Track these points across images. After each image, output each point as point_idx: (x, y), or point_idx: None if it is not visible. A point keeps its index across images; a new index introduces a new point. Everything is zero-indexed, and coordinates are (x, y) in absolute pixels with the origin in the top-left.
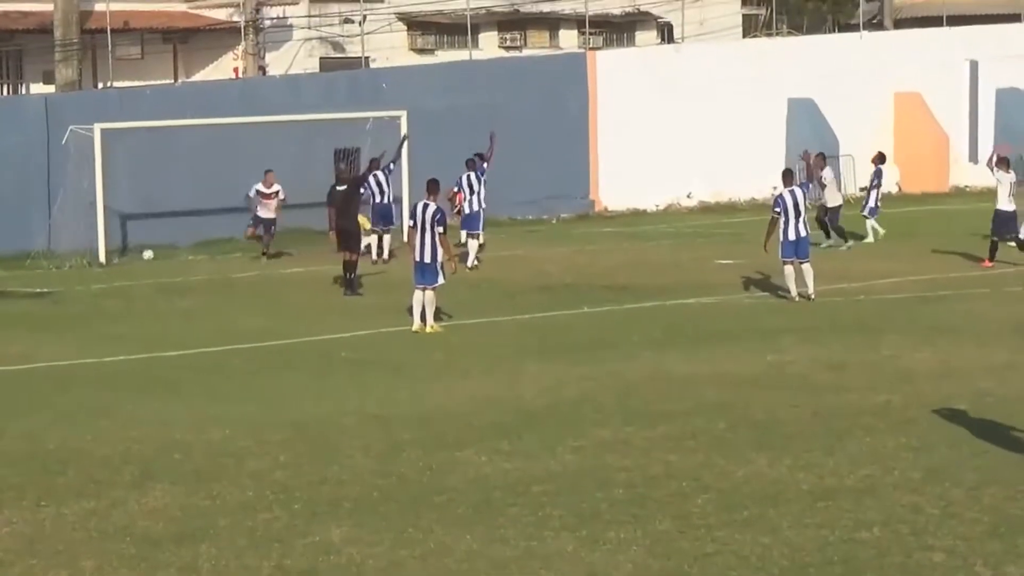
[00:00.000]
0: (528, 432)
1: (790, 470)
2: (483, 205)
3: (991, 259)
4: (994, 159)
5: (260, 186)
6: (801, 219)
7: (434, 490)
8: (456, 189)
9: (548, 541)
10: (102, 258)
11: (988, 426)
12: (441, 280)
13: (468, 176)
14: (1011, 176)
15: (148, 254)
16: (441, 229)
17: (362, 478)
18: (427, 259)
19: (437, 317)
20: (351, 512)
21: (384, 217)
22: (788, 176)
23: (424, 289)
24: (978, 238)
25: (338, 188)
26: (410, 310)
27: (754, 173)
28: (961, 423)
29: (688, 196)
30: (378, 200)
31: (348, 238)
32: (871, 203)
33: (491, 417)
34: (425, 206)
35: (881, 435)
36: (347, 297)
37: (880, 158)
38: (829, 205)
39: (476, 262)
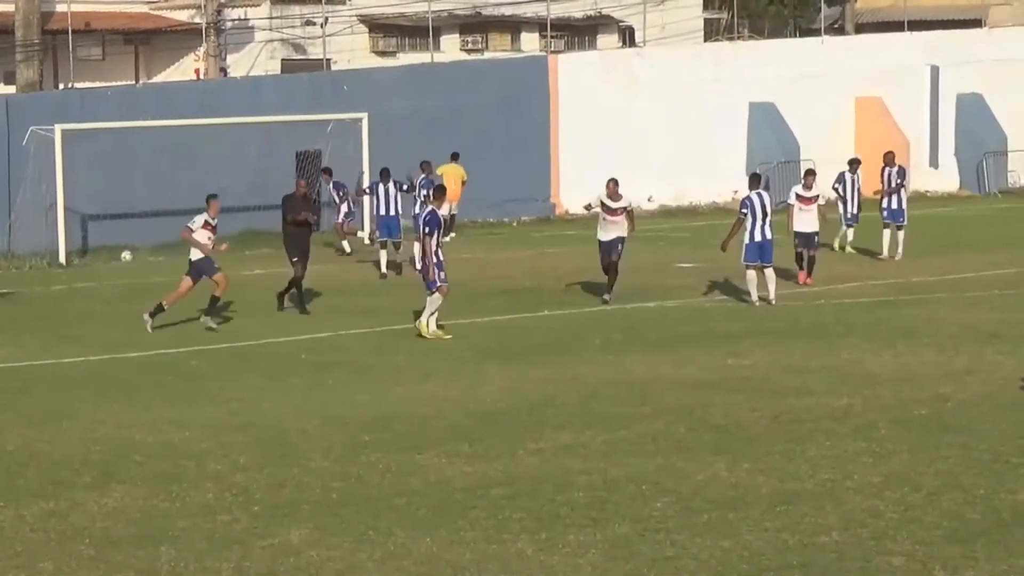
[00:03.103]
0: (488, 435)
1: (749, 474)
2: (400, 212)
3: (810, 274)
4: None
5: None
6: (767, 222)
7: (394, 492)
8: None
9: (508, 544)
10: (62, 259)
11: (948, 431)
12: (438, 284)
13: (389, 184)
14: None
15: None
16: (427, 230)
17: (322, 480)
18: (417, 264)
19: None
20: (311, 514)
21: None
22: (755, 179)
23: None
24: (938, 243)
25: (291, 202)
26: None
27: (715, 177)
28: (921, 428)
29: (649, 200)
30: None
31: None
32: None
33: (451, 419)
34: (422, 211)
35: (841, 439)
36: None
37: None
38: None
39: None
